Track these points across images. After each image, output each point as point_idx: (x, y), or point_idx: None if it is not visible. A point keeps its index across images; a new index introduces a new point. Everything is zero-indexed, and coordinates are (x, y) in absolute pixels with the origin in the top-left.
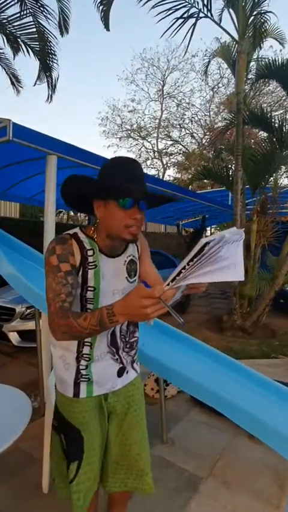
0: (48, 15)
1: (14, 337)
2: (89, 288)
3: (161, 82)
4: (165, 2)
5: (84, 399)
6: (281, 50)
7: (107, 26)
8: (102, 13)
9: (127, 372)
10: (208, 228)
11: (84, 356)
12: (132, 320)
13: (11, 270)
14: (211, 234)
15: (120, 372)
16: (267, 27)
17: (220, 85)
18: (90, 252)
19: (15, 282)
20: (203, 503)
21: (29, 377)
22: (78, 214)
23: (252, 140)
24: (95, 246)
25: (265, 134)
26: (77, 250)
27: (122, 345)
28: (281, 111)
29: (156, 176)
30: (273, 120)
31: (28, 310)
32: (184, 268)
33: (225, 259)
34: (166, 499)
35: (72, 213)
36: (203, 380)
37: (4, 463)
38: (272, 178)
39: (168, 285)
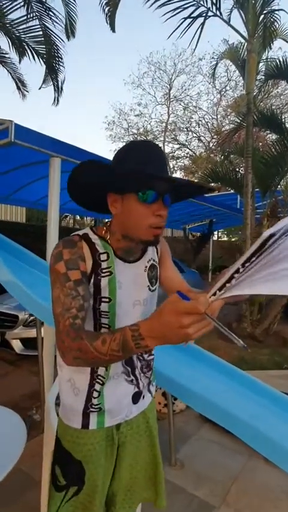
0: (54, 18)
1: (16, 345)
2: (103, 299)
3: (168, 86)
4: (174, 1)
5: (93, 430)
6: None
7: (112, 28)
8: (108, 14)
9: (143, 397)
10: (215, 232)
11: (99, 378)
12: (167, 343)
13: (10, 277)
14: (218, 238)
15: (136, 398)
16: (277, 27)
17: (228, 87)
18: (103, 256)
19: (15, 289)
20: None
21: (32, 387)
22: (85, 218)
23: (261, 143)
24: (109, 249)
25: (274, 137)
26: (88, 254)
27: (138, 364)
28: None
29: None
30: (283, 121)
31: (31, 318)
32: (237, 271)
33: None
34: None
35: (78, 217)
36: (214, 397)
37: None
38: (282, 181)
39: (214, 294)
